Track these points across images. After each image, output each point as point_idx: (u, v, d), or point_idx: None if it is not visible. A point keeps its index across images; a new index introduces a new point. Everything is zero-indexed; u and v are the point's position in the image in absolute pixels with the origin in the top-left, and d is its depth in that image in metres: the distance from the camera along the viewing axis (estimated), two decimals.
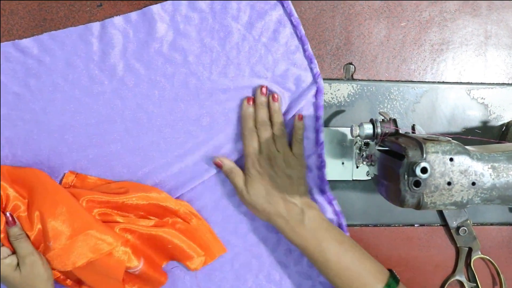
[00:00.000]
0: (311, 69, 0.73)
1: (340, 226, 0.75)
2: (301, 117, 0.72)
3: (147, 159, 0.72)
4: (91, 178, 0.71)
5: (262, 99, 0.71)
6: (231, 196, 0.74)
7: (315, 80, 0.73)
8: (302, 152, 0.72)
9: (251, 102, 0.71)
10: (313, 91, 0.73)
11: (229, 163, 0.72)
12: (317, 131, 0.74)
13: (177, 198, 0.73)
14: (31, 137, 0.70)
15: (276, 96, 0.71)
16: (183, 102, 0.72)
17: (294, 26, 0.72)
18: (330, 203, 0.75)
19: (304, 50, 0.73)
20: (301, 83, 0.73)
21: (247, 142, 0.70)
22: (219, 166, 0.72)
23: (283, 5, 0.71)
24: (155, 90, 0.71)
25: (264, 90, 0.71)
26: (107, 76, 0.70)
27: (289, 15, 0.72)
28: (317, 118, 0.74)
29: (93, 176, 0.72)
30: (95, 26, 0.70)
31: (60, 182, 0.71)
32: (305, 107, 0.73)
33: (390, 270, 0.69)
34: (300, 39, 0.73)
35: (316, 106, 0.73)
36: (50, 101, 0.70)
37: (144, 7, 0.71)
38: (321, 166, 0.75)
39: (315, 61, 0.73)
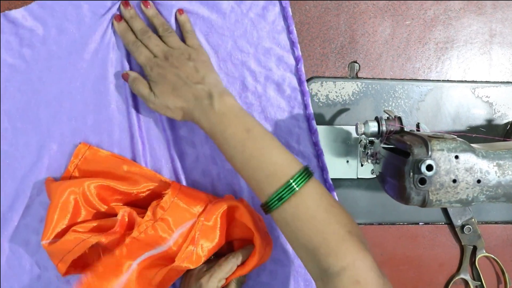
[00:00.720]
0: (293, 52, 0.73)
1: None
2: (181, 12, 0.70)
3: None
4: (102, 152, 0.70)
5: (130, 12, 0.69)
6: None
7: (296, 64, 0.73)
8: (197, 41, 0.70)
9: (119, 19, 0.69)
10: (294, 79, 0.73)
11: (133, 73, 0.69)
12: (308, 119, 0.73)
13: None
14: (29, 108, 0.69)
15: (147, 3, 0.69)
16: None
17: (282, 6, 0.72)
18: (330, 190, 0.74)
19: (289, 32, 0.72)
20: (283, 64, 0.73)
21: (135, 54, 0.68)
22: (125, 78, 0.69)
23: None
24: None
25: (127, 3, 0.69)
26: (99, 37, 0.70)
27: None
28: (306, 106, 0.73)
29: (104, 150, 0.70)
30: None
31: (71, 155, 0.70)
32: (293, 96, 0.73)
33: (304, 166, 0.61)
34: (286, 20, 0.72)
35: (302, 94, 0.73)
36: (46, 69, 0.69)
37: None
38: (318, 154, 0.74)
39: (298, 46, 0.72)
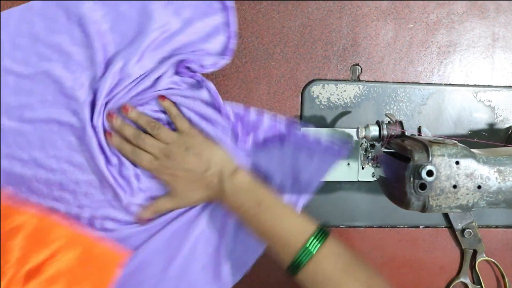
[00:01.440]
0: None
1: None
2: (163, 98, 0.70)
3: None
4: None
5: (118, 121, 0.69)
6: None
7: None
8: (186, 123, 0.69)
9: (110, 135, 0.69)
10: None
11: (146, 208, 0.70)
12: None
13: None
14: None
15: (126, 105, 0.69)
16: None
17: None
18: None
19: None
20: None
21: (139, 162, 0.69)
22: (146, 220, 0.70)
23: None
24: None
25: (111, 113, 0.69)
26: (55, 52, 0.69)
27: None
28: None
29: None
30: (36, 4, 0.68)
31: None
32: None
33: (319, 226, 0.63)
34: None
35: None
36: (3, 84, 0.68)
37: None
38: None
39: None
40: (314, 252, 0.60)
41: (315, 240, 0.61)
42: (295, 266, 0.60)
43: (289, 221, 0.63)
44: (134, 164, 0.70)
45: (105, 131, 0.69)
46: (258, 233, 0.65)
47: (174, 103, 0.70)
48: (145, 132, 0.69)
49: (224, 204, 0.68)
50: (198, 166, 0.67)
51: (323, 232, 0.62)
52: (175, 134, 0.69)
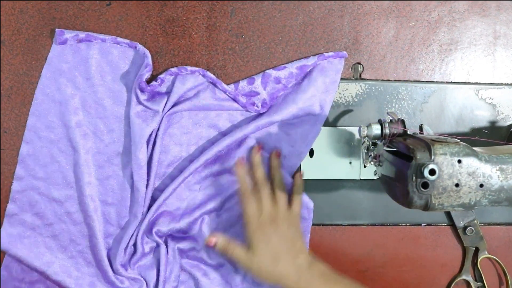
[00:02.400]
0: None
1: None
2: (301, 176, 0.73)
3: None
4: None
5: (257, 157, 0.70)
6: None
7: None
8: (299, 207, 0.71)
9: (241, 162, 0.71)
10: None
11: (223, 240, 0.69)
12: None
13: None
14: None
15: (279, 152, 0.72)
16: None
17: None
18: None
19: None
20: None
21: (245, 205, 0.68)
22: (212, 245, 0.69)
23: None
24: None
25: (258, 148, 0.71)
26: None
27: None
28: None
29: None
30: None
31: None
32: None
33: None
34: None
35: None
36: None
37: (152, 8, 0.71)
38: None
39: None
40: None
41: None
42: None
43: None
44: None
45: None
46: None
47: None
48: None
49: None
50: (292, 248, 0.67)
51: None
52: (289, 210, 0.69)
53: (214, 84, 0.72)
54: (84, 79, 0.71)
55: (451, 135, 0.71)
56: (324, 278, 0.65)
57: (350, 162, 0.76)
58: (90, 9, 0.71)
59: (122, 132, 0.72)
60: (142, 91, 0.70)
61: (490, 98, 0.78)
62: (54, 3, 0.70)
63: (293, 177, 0.74)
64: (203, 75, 0.72)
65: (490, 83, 0.78)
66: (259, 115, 0.73)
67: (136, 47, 0.70)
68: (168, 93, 0.71)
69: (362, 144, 0.73)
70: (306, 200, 0.74)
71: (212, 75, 0.72)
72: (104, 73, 0.71)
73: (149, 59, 0.70)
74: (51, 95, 0.71)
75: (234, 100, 0.73)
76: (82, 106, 0.71)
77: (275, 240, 0.66)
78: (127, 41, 0.71)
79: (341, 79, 0.75)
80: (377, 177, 0.75)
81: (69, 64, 0.70)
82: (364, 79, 0.76)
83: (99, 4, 0.71)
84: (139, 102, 0.70)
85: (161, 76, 0.71)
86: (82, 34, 0.70)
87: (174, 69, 0.71)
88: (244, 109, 0.73)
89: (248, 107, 0.73)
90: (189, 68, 0.71)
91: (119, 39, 0.71)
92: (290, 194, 0.72)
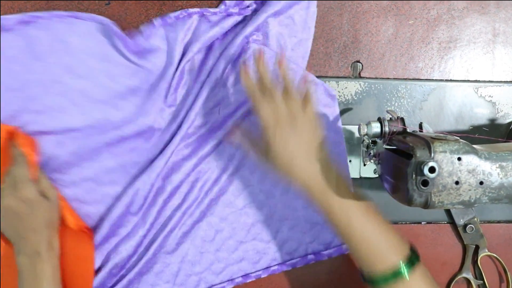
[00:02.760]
0: None
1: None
2: (306, 80, 0.67)
3: None
4: None
5: (262, 64, 0.66)
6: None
7: None
8: (314, 111, 0.66)
9: (246, 73, 0.67)
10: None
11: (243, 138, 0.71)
12: None
13: None
14: None
15: (283, 55, 0.67)
16: None
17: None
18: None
19: None
20: None
21: (260, 110, 0.64)
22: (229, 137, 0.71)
23: None
24: None
25: (261, 53, 0.66)
26: None
27: None
28: None
29: None
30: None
31: None
32: None
33: (411, 246, 0.63)
34: None
35: None
36: None
37: (152, 7, 0.71)
38: None
39: None
40: (407, 274, 0.60)
41: (413, 258, 0.61)
42: (382, 280, 0.60)
43: (389, 234, 0.62)
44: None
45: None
46: (358, 239, 0.62)
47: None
48: None
49: (324, 201, 0.63)
50: (311, 152, 0.64)
51: (415, 252, 0.62)
52: (302, 112, 0.65)
53: (203, 14, 0.72)
54: (37, 61, 0.70)
55: (451, 133, 0.71)
56: (344, 190, 0.63)
57: (350, 161, 0.76)
58: (89, 9, 0.71)
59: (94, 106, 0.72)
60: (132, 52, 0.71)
61: (490, 96, 0.78)
62: (53, 3, 0.70)
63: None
64: (188, 14, 0.71)
65: (489, 81, 0.78)
66: (254, 13, 0.73)
67: (76, 17, 0.70)
68: (157, 48, 0.71)
69: (362, 143, 0.73)
70: (327, 87, 0.73)
71: (196, 9, 0.72)
72: (55, 50, 0.70)
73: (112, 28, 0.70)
74: (8, 85, 0.70)
75: (228, 15, 0.72)
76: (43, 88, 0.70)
77: (293, 141, 0.63)
78: (70, 13, 0.70)
79: (341, 77, 0.75)
80: (377, 175, 0.75)
81: (19, 49, 0.69)
82: (364, 77, 0.76)
83: (98, 4, 0.71)
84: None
85: (146, 31, 0.71)
86: (26, 17, 0.69)
87: (158, 20, 0.71)
88: (242, 15, 0.73)
89: (245, 12, 0.72)
90: (172, 14, 0.71)
91: (62, 12, 0.70)
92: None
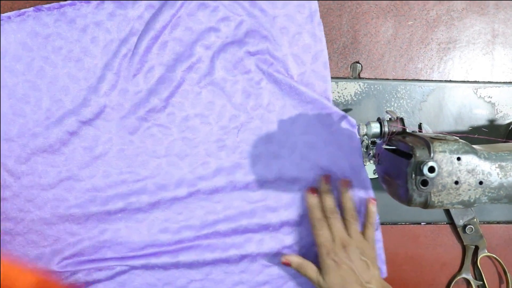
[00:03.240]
0: None
1: None
2: (374, 202, 0.73)
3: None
4: None
5: (326, 187, 0.72)
6: None
7: None
8: (373, 235, 0.73)
9: (315, 193, 0.72)
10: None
11: (297, 259, 0.72)
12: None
13: None
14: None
15: (347, 180, 0.72)
16: None
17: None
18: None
19: None
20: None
21: (317, 232, 0.70)
22: (287, 265, 0.72)
23: None
24: None
25: (328, 179, 0.72)
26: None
27: None
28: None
29: None
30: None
31: None
32: None
33: None
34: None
35: None
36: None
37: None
38: None
39: None
40: None
41: None
42: None
43: None
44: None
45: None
46: None
47: None
48: None
49: None
50: (364, 274, 0.67)
51: None
52: (361, 236, 0.71)
53: None
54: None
55: (450, 133, 0.72)
56: None
57: None
58: None
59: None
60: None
61: (489, 97, 0.78)
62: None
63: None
64: None
65: (488, 82, 0.78)
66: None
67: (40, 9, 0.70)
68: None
69: (361, 143, 0.73)
70: (350, 120, 0.74)
71: None
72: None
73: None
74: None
75: None
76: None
77: (346, 267, 0.67)
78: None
79: (340, 78, 0.76)
80: (376, 176, 0.75)
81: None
82: (363, 78, 0.76)
83: None
84: None
85: None
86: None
87: None
88: None
89: None
90: None
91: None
92: (363, 223, 0.74)
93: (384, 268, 0.77)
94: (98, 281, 0.74)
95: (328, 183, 0.72)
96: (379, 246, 0.76)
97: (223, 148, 0.74)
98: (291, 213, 0.75)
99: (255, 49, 0.72)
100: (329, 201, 0.71)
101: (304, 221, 0.76)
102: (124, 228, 0.74)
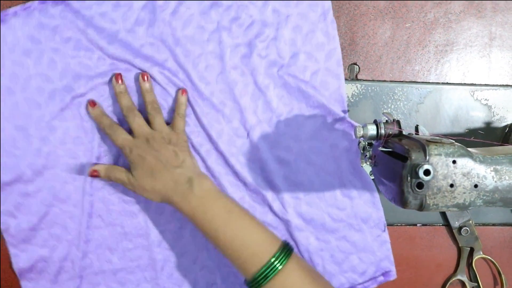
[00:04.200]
0: None
1: None
2: (184, 92, 0.72)
3: None
4: None
5: (121, 87, 0.70)
6: None
7: None
8: (182, 125, 0.72)
9: (95, 105, 0.71)
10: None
11: (103, 166, 0.71)
12: None
13: None
14: None
15: (146, 76, 0.70)
16: None
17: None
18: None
19: None
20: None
21: (113, 137, 0.69)
22: (96, 176, 0.71)
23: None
24: None
25: (120, 77, 0.70)
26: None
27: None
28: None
29: None
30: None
31: None
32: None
33: (284, 241, 0.66)
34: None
35: None
36: None
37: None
38: None
39: None
40: (281, 267, 0.61)
41: (282, 255, 0.62)
42: (261, 278, 0.61)
43: (257, 232, 0.65)
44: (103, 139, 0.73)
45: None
46: (223, 240, 0.64)
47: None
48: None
49: (183, 206, 0.66)
50: (172, 161, 0.67)
51: (288, 247, 0.64)
52: (166, 127, 0.70)
53: None
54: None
55: (447, 136, 0.72)
56: (205, 192, 0.67)
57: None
58: None
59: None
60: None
61: (486, 99, 0.78)
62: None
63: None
64: None
65: (485, 84, 0.79)
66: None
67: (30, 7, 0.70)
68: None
69: (358, 145, 0.73)
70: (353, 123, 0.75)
71: None
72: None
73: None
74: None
75: None
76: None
77: (152, 157, 0.67)
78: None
79: None
80: (373, 178, 0.75)
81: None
82: (360, 79, 0.76)
83: None
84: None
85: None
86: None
87: None
88: None
89: None
90: None
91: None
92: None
93: (393, 269, 0.77)
94: None
95: (121, 83, 0.70)
96: (387, 247, 0.77)
97: (233, 149, 0.75)
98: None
99: (265, 52, 0.73)
100: (126, 99, 0.70)
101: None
102: None
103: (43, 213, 0.73)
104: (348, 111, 0.76)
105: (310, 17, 0.72)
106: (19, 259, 0.74)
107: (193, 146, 0.74)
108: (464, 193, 0.54)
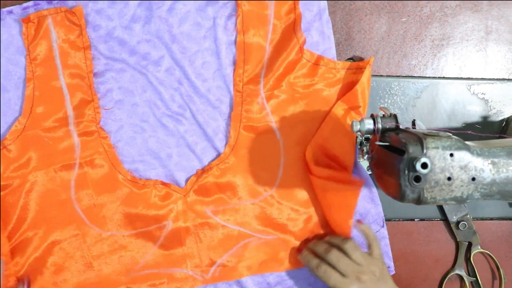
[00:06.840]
0: None
1: None
2: (360, 221, 0.73)
3: None
4: None
5: (313, 241, 0.73)
6: None
7: None
8: (380, 251, 0.71)
9: (300, 250, 0.73)
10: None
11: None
12: None
13: None
14: None
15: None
16: None
17: None
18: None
19: None
20: None
21: (324, 279, 0.67)
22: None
23: None
24: None
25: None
26: None
27: None
28: None
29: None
30: None
31: None
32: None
33: None
34: None
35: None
36: None
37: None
38: None
39: None
40: None
41: None
42: None
43: None
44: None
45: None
46: None
47: None
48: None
49: None
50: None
51: None
52: (367, 257, 0.68)
53: None
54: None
55: (444, 130, 0.72)
56: None
57: None
58: None
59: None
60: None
61: (482, 93, 0.78)
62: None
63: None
64: None
65: (482, 78, 0.79)
66: None
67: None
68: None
69: (355, 139, 0.73)
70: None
71: None
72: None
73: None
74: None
75: None
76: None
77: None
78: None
79: None
80: (370, 172, 0.75)
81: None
82: None
83: None
84: None
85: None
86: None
87: None
88: None
89: None
90: None
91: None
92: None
93: (391, 264, 0.77)
94: None
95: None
96: (386, 242, 0.77)
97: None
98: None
99: None
100: (320, 245, 0.70)
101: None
102: None
103: None
104: None
105: (305, 16, 0.72)
106: None
107: (188, 145, 0.73)
108: (462, 186, 0.54)
